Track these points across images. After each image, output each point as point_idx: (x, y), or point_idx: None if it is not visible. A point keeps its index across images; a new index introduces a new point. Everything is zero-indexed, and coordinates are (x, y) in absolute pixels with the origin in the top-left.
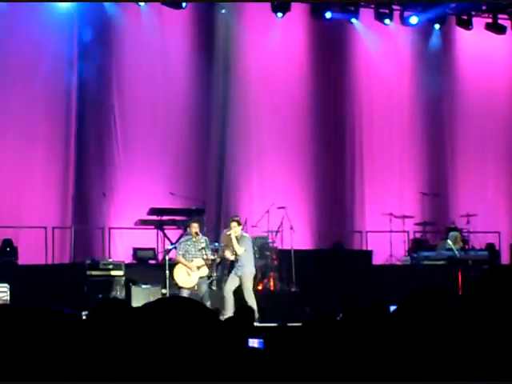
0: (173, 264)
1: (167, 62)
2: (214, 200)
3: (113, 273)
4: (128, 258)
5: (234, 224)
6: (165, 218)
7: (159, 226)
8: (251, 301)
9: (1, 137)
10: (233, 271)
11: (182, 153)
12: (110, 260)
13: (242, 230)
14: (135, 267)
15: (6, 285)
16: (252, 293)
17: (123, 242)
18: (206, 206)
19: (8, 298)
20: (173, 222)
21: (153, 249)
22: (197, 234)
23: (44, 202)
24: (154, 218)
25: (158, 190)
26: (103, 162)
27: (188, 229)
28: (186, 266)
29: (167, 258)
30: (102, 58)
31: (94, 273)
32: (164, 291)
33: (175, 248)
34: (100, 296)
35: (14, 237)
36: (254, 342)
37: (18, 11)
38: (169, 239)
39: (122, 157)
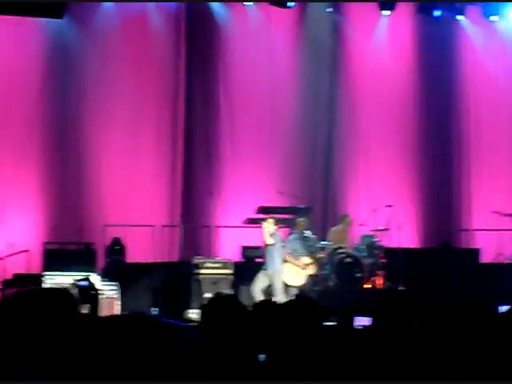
0: None
1: (273, 61)
2: (320, 198)
3: (221, 271)
4: (236, 257)
5: (270, 220)
6: (273, 215)
7: None
8: (280, 299)
9: (109, 137)
10: (262, 270)
11: (289, 151)
12: (218, 258)
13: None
14: (243, 266)
15: (116, 283)
16: (282, 291)
17: (231, 240)
18: (313, 205)
19: (119, 295)
20: (281, 221)
21: (261, 247)
22: (304, 232)
23: (152, 200)
24: (262, 216)
25: (266, 189)
26: (211, 160)
27: (295, 227)
28: (293, 264)
29: None
30: (209, 55)
31: (202, 271)
32: None
33: (283, 246)
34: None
35: (123, 235)
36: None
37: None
38: None
39: (229, 155)
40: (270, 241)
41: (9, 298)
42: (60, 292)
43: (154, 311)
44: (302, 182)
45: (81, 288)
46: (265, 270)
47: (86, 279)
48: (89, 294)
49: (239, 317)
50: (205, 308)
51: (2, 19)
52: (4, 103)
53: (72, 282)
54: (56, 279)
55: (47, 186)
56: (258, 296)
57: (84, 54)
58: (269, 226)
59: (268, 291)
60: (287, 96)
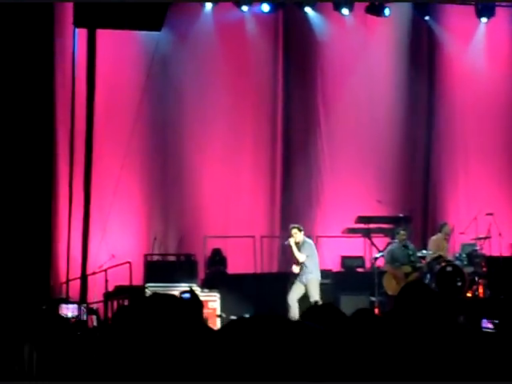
0: (381, 272)
1: (370, 69)
2: (420, 208)
3: (321, 281)
4: (336, 267)
5: (294, 231)
6: (372, 225)
7: (367, 233)
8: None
9: (208, 147)
10: (297, 279)
11: (387, 160)
12: None
13: (306, 237)
14: (343, 275)
15: (217, 294)
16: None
17: (331, 250)
18: (413, 214)
19: (219, 305)
20: (380, 230)
21: (361, 257)
22: (404, 241)
23: (252, 211)
24: (362, 226)
25: (365, 198)
26: (310, 170)
27: (396, 236)
28: (394, 273)
29: (375, 265)
30: (306, 62)
31: None
32: (373, 299)
33: (383, 256)
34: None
35: (223, 246)
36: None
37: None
38: (376, 247)
39: (328, 165)
40: (301, 258)
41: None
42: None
43: None
44: (402, 191)
45: (184, 300)
46: (299, 279)
47: (190, 291)
48: (192, 306)
49: (339, 324)
50: (303, 316)
51: (102, 33)
52: (105, 115)
53: (176, 293)
54: (157, 291)
55: (148, 198)
56: (294, 305)
57: (182, 63)
58: (296, 235)
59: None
60: (385, 104)
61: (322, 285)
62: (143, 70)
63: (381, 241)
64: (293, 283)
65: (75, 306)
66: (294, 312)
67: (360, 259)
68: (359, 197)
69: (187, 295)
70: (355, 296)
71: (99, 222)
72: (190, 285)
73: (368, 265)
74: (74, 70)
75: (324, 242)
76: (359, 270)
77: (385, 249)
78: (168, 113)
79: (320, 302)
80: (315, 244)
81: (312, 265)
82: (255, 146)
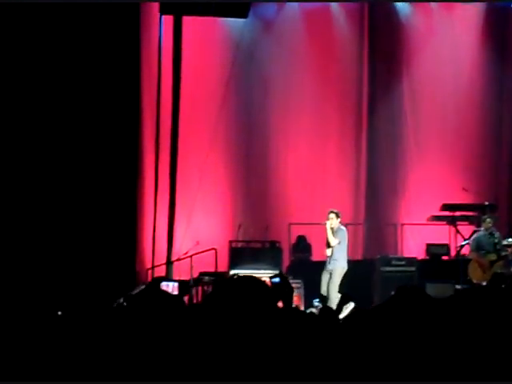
0: (466, 260)
1: (457, 59)
2: (506, 195)
3: (405, 269)
4: (421, 254)
5: (331, 215)
6: (457, 213)
7: (452, 221)
8: (334, 295)
9: (293, 135)
10: (324, 268)
11: (473, 148)
12: (403, 256)
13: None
14: (428, 263)
15: (300, 281)
16: (337, 288)
17: (415, 237)
18: (498, 202)
19: (303, 293)
20: (465, 218)
21: (446, 244)
22: (490, 229)
23: (336, 198)
24: (447, 213)
25: (450, 186)
26: (395, 157)
27: (482, 224)
28: (479, 261)
29: (460, 253)
30: (392, 52)
31: (386, 269)
32: (458, 287)
33: (468, 244)
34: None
35: (308, 233)
36: None
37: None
38: (462, 235)
39: (413, 152)
40: (333, 242)
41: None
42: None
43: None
44: (487, 179)
45: (274, 284)
46: (325, 268)
47: (280, 275)
48: (283, 290)
49: (427, 308)
50: (392, 300)
51: (188, 20)
52: (191, 103)
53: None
54: None
55: (234, 185)
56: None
57: (267, 50)
58: (332, 220)
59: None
60: (471, 91)
61: (406, 272)
62: (229, 57)
63: (466, 228)
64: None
65: (175, 283)
66: (333, 302)
67: (445, 247)
68: (444, 184)
69: (277, 279)
70: (440, 284)
71: (184, 209)
72: (275, 272)
73: (453, 253)
74: (160, 58)
75: (409, 230)
76: (444, 257)
77: (470, 237)
78: (253, 100)
79: (338, 293)
80: (399, 231)
81: (340, 252)
82: (340, 133)
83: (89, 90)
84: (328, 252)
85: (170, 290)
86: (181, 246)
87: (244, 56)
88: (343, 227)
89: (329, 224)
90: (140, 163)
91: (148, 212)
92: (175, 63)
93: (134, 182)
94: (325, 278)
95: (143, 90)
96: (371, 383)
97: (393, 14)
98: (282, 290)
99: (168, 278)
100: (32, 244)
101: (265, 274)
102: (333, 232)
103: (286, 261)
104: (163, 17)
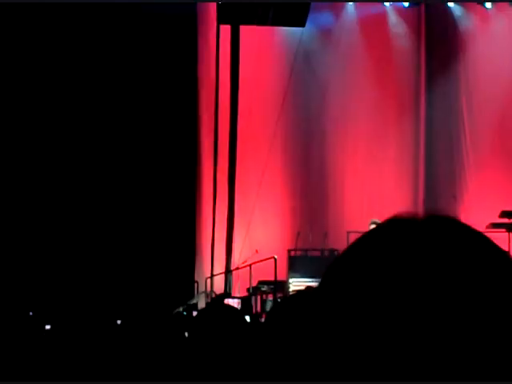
0: None
1: None
2: None
3: None
4: None
5: (372, 226)
6: None
7: (511, 228)
8: None
9: (351, 142)
10: None
11: None
12: None
13: None
14: None
15: None
16: None
17: None
18: None
19: None
20: None
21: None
22: None
23: (395, 205)
24: (506, 220)
25: (509, 192)
26: (453, 163)
27: None
28: None
29: None
30: (449, 56)
31: None
32: None
33: None
34: None
35: None
36: None
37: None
38: None
39: (471, 158)
40: None
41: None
42: None
43: None
44: None
45: None
46: None
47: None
48: None
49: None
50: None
51: (246, 28)
52: (248, 112)
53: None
54: (300, 285)
55: (292, 193)
56: None
57: (325, 58)
58: None
59: None
60: None
61: None
62: (286, 65)
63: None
64: None
65: (237, 300)
66: None
67: None
68: (503, 191)
69: None
70: None
71: (243, 218)
72: None
73: None
74: (218, 66)
75: None
76: None
77: None
78: (311, 107)
79: None
80: None
81: None
82: (398, 140)
83: (149, 99)
84: None
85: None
86: (240, 254)
87: (301, 63)
88: None
89: None
90: (198, 171)
91: (207, 220)
92: (233, 71)
93: (193, 190)
94: None
95: (201, 98)
96: (369, 383)
97: (449, 18)
98: None
99: (230, 295)
100: (94, 252)
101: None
102: None
103: None
104: (220, 26)
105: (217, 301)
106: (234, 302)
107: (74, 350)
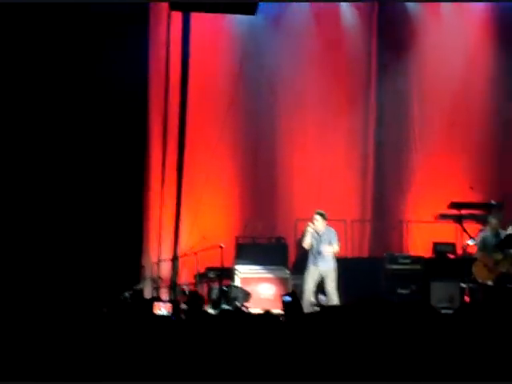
0: (473, 259)
1: (467, 53)
2: None
3: (411, 267)
4: (427, 253)
5: (317, 217)
6: (464, 211)
7: (459, 220)
8: (336, 295)
9: (300, 132)
10: (312, 265)
11: (482, 147)
12: (409, 254)
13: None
14: (434, 261)
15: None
16: (336, 290)
17: (422, 235)
18: (506, 200)
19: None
20: (472, 217)
21: (452, 243)
22: (496, 229)
23: (343, 194)
24: (454, 211)
25: (458, 183)
26: (402, 154)
27: (488, 224)
28: (484, 261)
29: (467, 252)
30: (400, 52)
31: (392, 267)
32: (463, 286)
33: (475, 243)
34: (398, 290)
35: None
36: None
37: None
38: (468, 234)
39: (420, 148)
40: (326, 249)
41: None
42: None
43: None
44: (495, 177)
45: (285, 302)
46: (315, 266)
47: (291, 294)
48: (293, 308)
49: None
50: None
51: (198, 16)
52: (198, 99)
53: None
54: (247, 273)
55: (240, 181)
56: (309, 295)
57: (276, 47)
58: (317, 222)
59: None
60: (480, 91)
61: (412, 271)
62: (237, 53)
63: (473, 227)
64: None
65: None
66: (335, 301)
67: (451, 245)
68: (452, 182)
69: (288, 298)
70: (446, 282)
71: (191, 204)
72: (280, 268)
73: (460, 251)
74: (168, 54)
75: (415, 228)
76: (451, 256)
77: (476, 235)
78: (261, 96)
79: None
80: (406, 229)
81: (332, 254)
82: (348, 129)
83: (95, 85)
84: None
85: (164, 311)
86: (187, 241)
87: (252, 52)
88: (330, 227)
89: (311, 226)
90: (147, 158)
91: (154, 206)
92: (183, 59)
93: (141, 176)
94: (313, 278)
95: (151, 85)
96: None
97: (403, 15)
98: (292, 308)
99: (160, 299)
100: (36, 239)
101: (271, 270)
102: (320, 235)
103: (292, 256)
104: (172, 14)
105: (146, 306)
106: (165, 306)
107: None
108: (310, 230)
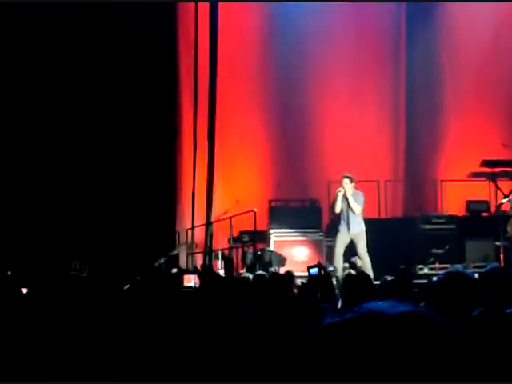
0: (507, 217)
1: (497, 11)
2: None
3: (445, 226)
4: (460, 211)
5: (345, 180)
6: (497, 169)
7: (492, 177)
8: (368, 259)
9: (332, 93)
10: (342, 229)
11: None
12: (442, 213)
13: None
14: (468, 220)
15: None
16: (366, 252)
17: (455, 194)
18: None
19: None
20: (506, 174)
21: (486, 201)
22: None
23: (376, 155)
24: (487, 169)
25: (490, 141)
26: (434, 113)
27: None
28: None
29: (501, 210)
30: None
31: (426, 226)
32: (497, 244)
33: (509, 200)
34: (433, 250)
35: None
36: None
37: None
38: (502, 191)
39: (452, 108)
40: (358, 209)
41: None
42: None
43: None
44: None
45: (312, 276)
46: (345, 230)
47: (318, 265)
48: (321, 281)
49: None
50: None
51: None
52: (229, 63)
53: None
54: (282, 236)
55: (272, 144)
56: (340, 260)
57: (302, 10)
58: (346, 186)
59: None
60: (509, 53)
61: (446, 230)
62: (265, 21)
63: (507, 184)
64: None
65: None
66: (368, 265)
67: (485, 203)
68: (484, 139)
69: (315, 270)
70: (480, 241)
71: (223, 169)
72: (315, 231)
73: (493, 209)
74: (197, 23)
75: (448, 186)
76: (484, 214)
77: (510, 193)
78: (290, 59)
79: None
80: (439, 188)
81: (360, 216)
82: (378, 88)
83: (128, 55)
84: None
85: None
86: (221, 205)
87: (280, 20)
88: (360, 191)
89: (343, 190)
90: (178, 123)
91: (187, 172)
92: (212, 28)
93: (173, 142)
94: (344, 241)
95: (181, 53)
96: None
97: None
98: (320, 281)
99: (188, 271)
100: (78, 206)
101: (305, 233)
102: (349, 198)
103: (326, 218)
104: None
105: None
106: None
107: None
108: (339, 194)
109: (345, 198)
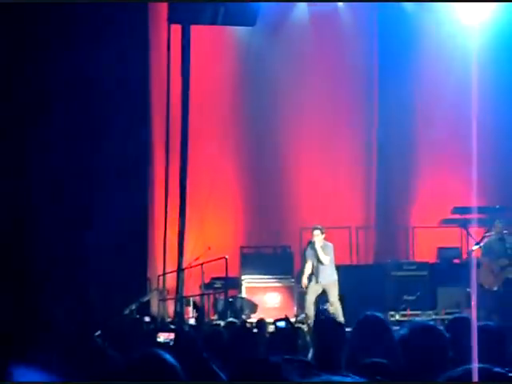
0: (478, 264)
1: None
2: None
3: (417, 273)
4: (432, 258)
5: (316, 232)
6: (468, 216)
7: (463, 224)
8: (338, 307)
9: (304, 139)
10: (313, 280)
11: (486, 152)
12: (414, 260)
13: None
14: (439, 267)
15: None
16: (338, 300)
17: (427, 241)
18: (511, 204)
19: None
20: (477, 221)
21: (457, 248)
22: (501, 233)
23: (348, 202)
24: (458, 216)
25: (461, 188)
26: (406, 160)
27: (492, 229)
28: (490, 267)
29: (472, 257)
30: (401, 55)
31: (398, 273)
32: (469, 290)
33: (480, 247)
34: (404, 297)
35: None
36: None
37: None
38: (473, 238)
39: (424, 155)
40: (326, 260)
41: None
42: None
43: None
44: (499, 181)
45: (279, 329)
46: (316, 280)
47: (285, 319)
48: (287, 335)
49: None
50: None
51: (197, 28)
52: (200, 110)
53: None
54: (253, 283)
55: (244, 190)
56: (311, 308)
57: (277, 55)
58: (317, 237)
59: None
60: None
61: (418, 277)
62: (238, 63)
63: (478, 231)
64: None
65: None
66: (340, 314)
67: (457, 250)
68: (456, 188)
69: (282, 324)
70: (452, 288)
71: (195, 215)
72: (286, 277)
73: (465, 256)
74: (169, 65)
75: (420, 233)
76: (456, 261)
77: (481, 240)
78: (263, 105)
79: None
80: (411, 235)
81: (332, 267)
82: (351, 136)
83: (98, 96)
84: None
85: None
86: (192, 251)
87: (253, 61)
88: (329, 243)
89: (317, 242)
90: (150, 170)
91: (159, 218)
92: (184, 70)
93: (145, 188)
94: (315, 289)
95: (153, 97)
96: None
97: (403, 16)
98: (286, 334)
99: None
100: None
101: (276, 279)
102: (318, 250)
103: (298, 265)
104: (172, 27)
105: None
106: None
107: None
108: (317, 247)
109: (314, 249)
